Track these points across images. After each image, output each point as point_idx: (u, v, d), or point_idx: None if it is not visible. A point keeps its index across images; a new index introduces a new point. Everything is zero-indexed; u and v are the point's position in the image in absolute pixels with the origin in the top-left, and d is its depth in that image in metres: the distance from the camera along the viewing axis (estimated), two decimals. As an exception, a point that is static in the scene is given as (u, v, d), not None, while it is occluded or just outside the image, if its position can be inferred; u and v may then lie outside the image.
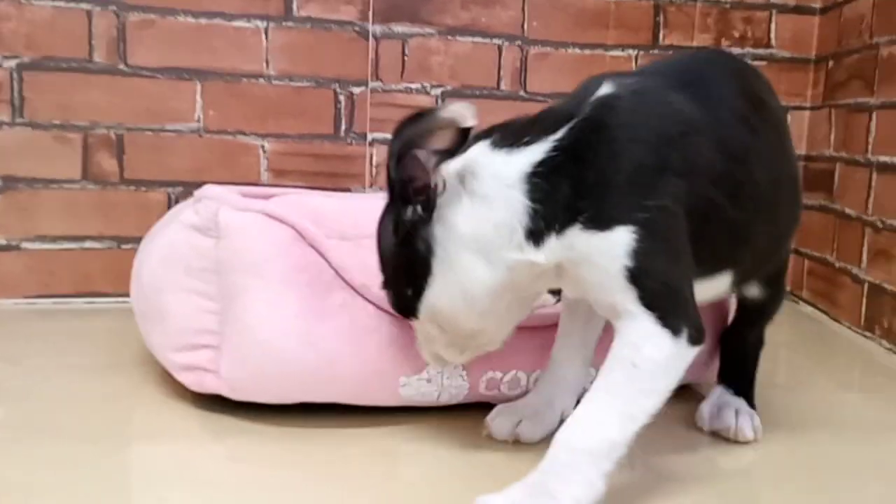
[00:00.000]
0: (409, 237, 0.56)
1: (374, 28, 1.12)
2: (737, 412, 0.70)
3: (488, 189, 0.55)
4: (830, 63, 1.21)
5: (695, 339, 0.54)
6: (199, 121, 1.10)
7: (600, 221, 0.53)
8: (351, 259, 0.90)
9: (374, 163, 1.15)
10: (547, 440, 0.54)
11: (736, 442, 0.68)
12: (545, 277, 0.57)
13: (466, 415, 0.70)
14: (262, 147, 1.12)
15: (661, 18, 1.18)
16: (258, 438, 0.65)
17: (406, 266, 0.58)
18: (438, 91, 1.14)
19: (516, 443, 0.65)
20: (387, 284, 0.61)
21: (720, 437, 0.69)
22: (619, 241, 0.53)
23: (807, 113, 1.25)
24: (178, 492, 0.56)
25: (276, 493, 0.57)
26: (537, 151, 0.55)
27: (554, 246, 0.54)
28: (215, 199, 0.68)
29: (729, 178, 0.58)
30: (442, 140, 0.53)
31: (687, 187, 0.55)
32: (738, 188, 0.59)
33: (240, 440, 0.65)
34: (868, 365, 0.97)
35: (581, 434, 0.52)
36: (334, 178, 1.14)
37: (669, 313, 0.53)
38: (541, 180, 0.54)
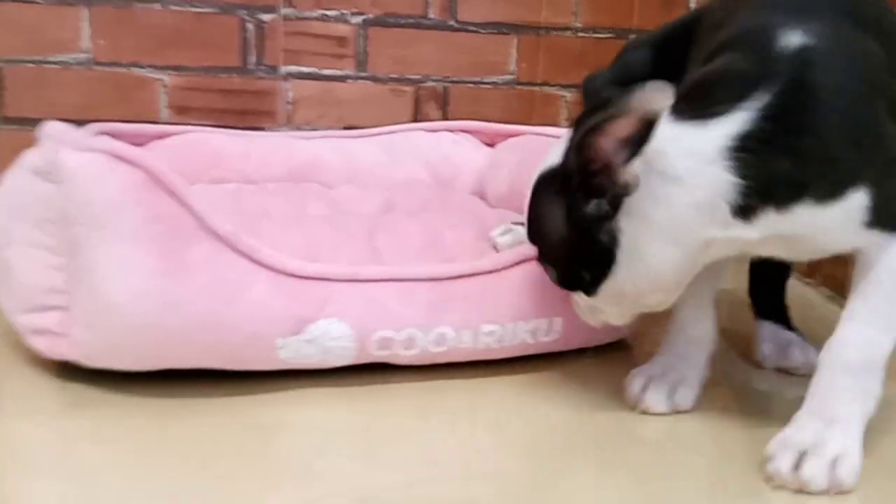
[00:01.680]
0: (589, 229, 0.55)
1: (283, -54, 1.01)
2: (801, 348, 0.72)
3: (682, 169, 0.52)
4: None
5: None
6: (87, 51, 0.99)
7: (834, 192, 0.51)
8: (252, 205, 0.83)
9: (288, 99, 1.05)
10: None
11: (800, 375, 0.69)
12: (747, 246, 0.56)
13: (359, 378, 0.64)
14: (161, 81, 1.01)
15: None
16: (125, 412, 0.58)
17: (584, 254, 0.57)
18: (359, 19, 1.04)
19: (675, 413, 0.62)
20: (553, 264, 0.61)
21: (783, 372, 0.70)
22: (856, 205, 0.52)
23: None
24: (33, 480, 0.49)
25: (144, 478, 0.50)
26: (737, 121, 0.51)
27: (772, 220, 0.52)
28: (56, 138, 0.59)
29: None
30: (628, 128, 0.50)
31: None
32: None
33: (105, 414, 0.58)
34: (809, 311, 0.93)
35: (853, 352, 0.54)
36: (244, 117, 1.04)
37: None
38: (748, 154, 0.51)
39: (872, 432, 0.54)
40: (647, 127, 0.49)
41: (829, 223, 0.53)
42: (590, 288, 0.58)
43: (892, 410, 0.59)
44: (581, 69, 1.14)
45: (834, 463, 0.52)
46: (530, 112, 1.12)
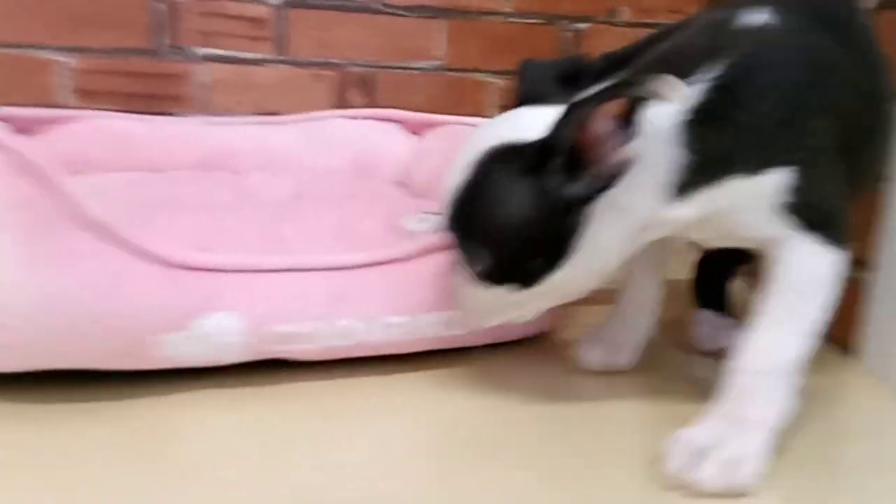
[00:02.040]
0: (563, 211, 0.51)
1: (192, -81, 0.95)
2: (736, 331, 0.70)
3: (644, 147, 0.50)
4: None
5: (848, 249, 0.54)
6: (-20, 31, 0.92)
7: (757, 168, 0.51)
8: (152, 193, 0.77)
9: (202, 83, 1.00)
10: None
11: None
12: (679, 228, 0.54)
13: (258, 376, 0.60)
14: (66, 64, 0.95)
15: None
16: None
17: (544, 240, 0.52)
18: (278, 0, 0.99)
19: (610, 373, 0.65)
20: (496, 253, 0.54)
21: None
22: (775, 184, 0.52)
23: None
24: None
25: (18, 500, 0.45)
26: (691, 95, 0.50)
27: (706, 197, 0.52)
28: None
29: (860, 121, 0.57)
30: (618, 107, 0.48)
31: (834, 126, 0.53)
32: (866, 132, 0.59)
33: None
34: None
35: (764, 358, 0.52)
36: (154, 101, 0.98)
37: (831, 230, 0.53)
38: (698, 128, 0.50)
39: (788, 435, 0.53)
40: (632, 107, 0.49)
41: (750, 200, 0.52)
42: (534, 279, 0.53)
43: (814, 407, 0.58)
44: (512, 55, 1.12)
45: (731, 464, 0.49)
46: (460, 99, 1.09)
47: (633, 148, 0.50)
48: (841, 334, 0.72)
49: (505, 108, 1.08)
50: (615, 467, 0.52)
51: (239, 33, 0.99)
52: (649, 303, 0.67)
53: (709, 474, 0.49)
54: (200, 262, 0.56)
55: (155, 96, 0.98)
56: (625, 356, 0.67)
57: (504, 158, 0.53)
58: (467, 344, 0.66)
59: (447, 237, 0.59)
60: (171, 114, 0.99)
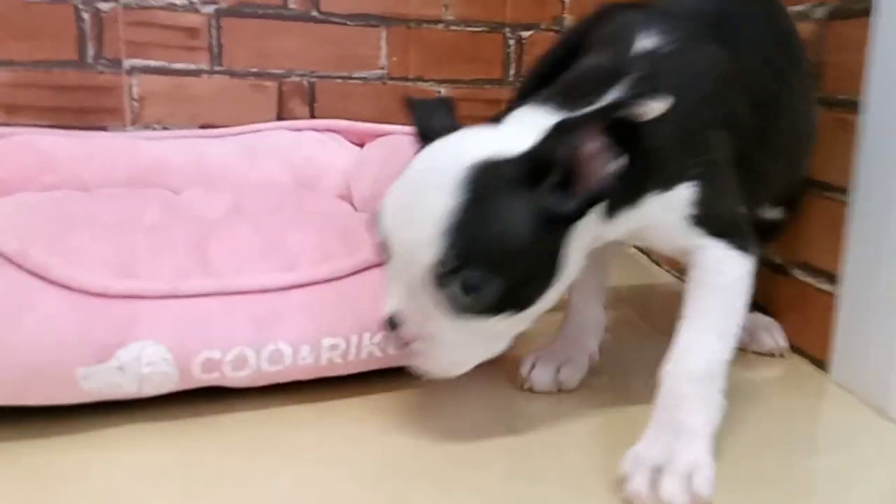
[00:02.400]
0: (557, 229, 0.51)
1: (119, -73, 0.92)
2: (767, 329, 0.75)
3: None
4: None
5: (754, 254, 0.57)
6: None
7: (665, 185, 0.55)
8: (75, 214, 0.73)
9: (134, 95, 0.96)
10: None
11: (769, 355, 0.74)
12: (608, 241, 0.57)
13: (183, 409, 0.57)
14: (-15, 77, 0.91)
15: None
16: None
17: (544, 259, 0.52)
18: (211, 9, 0.97)
19: (560, 392, 0.65)
20: (503, 275, 0.50)
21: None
22: (683, 197, 0.55)
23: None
24: None
25: None
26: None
27: (628, 216, 0.55)
28: None
29: (758, 130, 0.60)
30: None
31: (727, 137, 0.57)
32: (766, 139, 0.61)
33: None
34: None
35: (693, 362, 0.54)
36: (83, 115, 0.95)
37: (736, 237, 0.57)
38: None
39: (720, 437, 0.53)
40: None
41: (663, 215, 0.55)
42: (531, 301, 0.52)
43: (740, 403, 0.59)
44: (455, 64, 1.12)
45: (689, 477, 0.50)
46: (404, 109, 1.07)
47: (618, 165, 0.50)
48: (812, 347, 0.73)
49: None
50: (576, 491, 0.51)
51: (172, 43, 0.96)
52: (595, 322, 0.69)
53: (671, 491, 0.49)
54: (118, 290, 0.54)
55: (84, 110, 0.94)
56: (574, 376, 0.66)
57: (498, 177, 0.50)
58: (406, 363, 0.65)
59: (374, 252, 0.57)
60: (102, 128, 0.95)
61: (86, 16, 0.92)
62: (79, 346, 0.52)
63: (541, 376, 0.65)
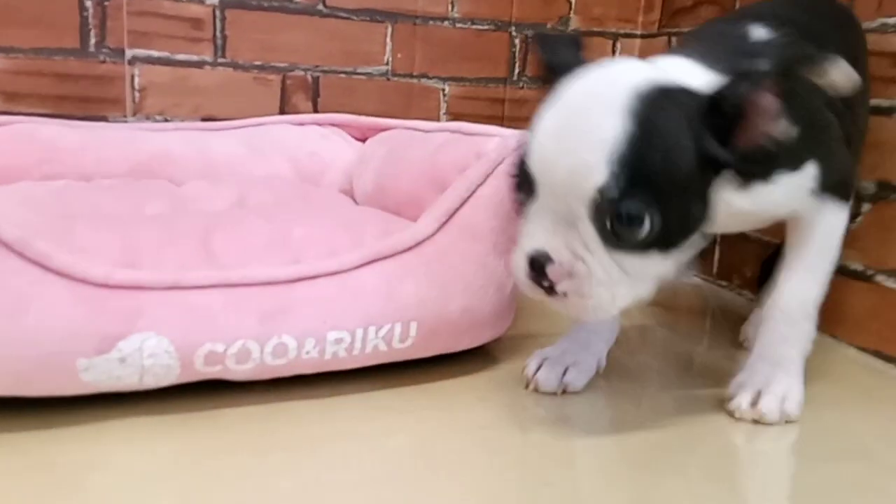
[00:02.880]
0: (714, 173, 0.52)
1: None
2: None
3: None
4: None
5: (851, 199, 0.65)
6: None
7: (796, 164, 0.59)
8: (77, 204, 0.72)
9: (135, 85, 0.95)
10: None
11: None
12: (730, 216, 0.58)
13: (187, 402, 0.56)
14: (-14, 64, 0.89)
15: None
16: None
17: (700, 199, 0.52)
18: (216, 0, 0.96)
19: (564, 393, 0.65)
20: (667, 208, 0.49)
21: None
22: (810, 174, 0.60)
23: (637, 41, 1.17)
24: None
25: None
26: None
27: (759, 192, 0.57)
28: None
29: (843, 124, 0.65)
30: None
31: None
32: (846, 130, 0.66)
33: None
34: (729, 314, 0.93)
35: (793, 305, 0.63)
36: (85, 105, 0.93)
37: (845, 192, 0.63)
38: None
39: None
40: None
41: (791, 193, 0.60)
42: (681, 242, 0.51)
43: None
44: (460, 62, 1.11)
45: (783, 398, 0.61)
46: (408, 105, 1.07)
47: (785, 131, 0.51)
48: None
49: (453, 115, 1.07)
50: (582, 493, 0.51)
51: (176, 34, 0.95)
52: (608, 327, 0.69)
53: (769, 409, 0.61)
54: (121, 280, 0.53)
55: (85, 99, 0.93)
56: (580, 378, 0.66)
57: (673, 106, 0.49)
58: (411, 357, 0.64)
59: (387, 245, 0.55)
60: (103, 118, 0.94)
61: (89, 4, 0.91)
62: (80, 337, 0.51)
63: (547, 376, 0.65)
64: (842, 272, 0.79)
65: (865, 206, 0.79)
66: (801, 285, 0.63)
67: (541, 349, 0.67)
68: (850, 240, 0.78)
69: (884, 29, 0.77)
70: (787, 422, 0.61)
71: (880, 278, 0.78)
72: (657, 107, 0.48)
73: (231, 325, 0.55)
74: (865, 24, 0.78)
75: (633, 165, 0.47)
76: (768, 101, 0.50)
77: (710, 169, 0.51)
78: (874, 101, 0.77)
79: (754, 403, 0.61)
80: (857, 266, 0.80)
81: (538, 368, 0.65)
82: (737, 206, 0.56)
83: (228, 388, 0.58)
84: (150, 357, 0.53)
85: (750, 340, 0.77)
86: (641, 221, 0.48)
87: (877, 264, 0.78)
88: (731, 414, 0.61)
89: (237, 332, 0.56)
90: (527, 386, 0.65)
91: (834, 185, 0.62)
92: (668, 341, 0.82)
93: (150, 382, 0.55)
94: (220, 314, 0.55)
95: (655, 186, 0.48)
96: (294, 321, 0.58)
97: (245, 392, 0.59)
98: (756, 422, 0.61)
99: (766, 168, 0.56)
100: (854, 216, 0.79)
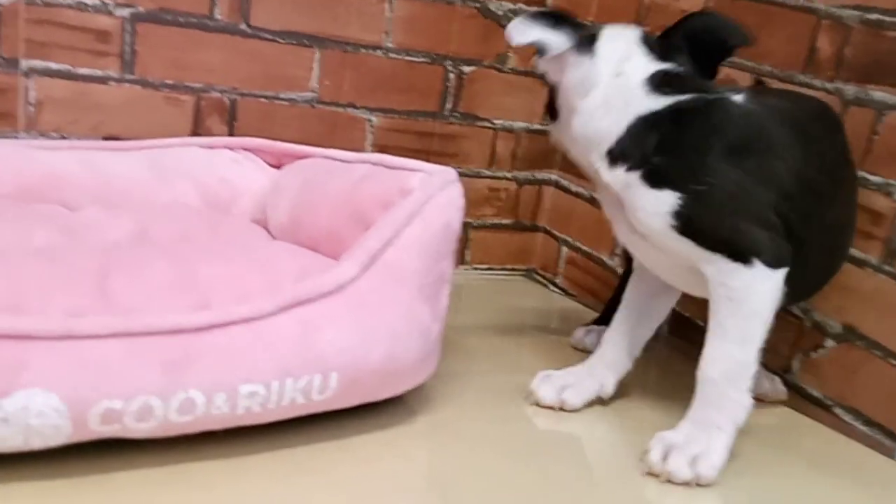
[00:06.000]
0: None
1: (25, -86, 0.86)
2: (766, 378, 0.84)
3: (616, 96, 0.69)
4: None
5: (773, 262, 0.66)
6: None
7: (655, 180, 0.66)
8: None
9: (30, 99, 0.90)
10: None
11: (767, 402, 0.82)
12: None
13: (76, 464, 0.52)
14: None
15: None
16: None
17: None
18: (125, 12, 0.91)
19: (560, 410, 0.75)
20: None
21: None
22: (665, 201, 0.66)
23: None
24: None
25: None
26: (660, 103, 0.68)
27: (618, 176, 0.68)
28: None
29: (800, 202, 0.69)
30: None
31: (754, 184, 0.67)
32: (807, 216, 0.70)
33: None
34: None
35: (713, 367, 0.66)
36: (-30, 118, 0.87)
37: (732, 252, 0.66)
38: (643, 124, 0.68)
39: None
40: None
41: (646, 209, 0.67)
42: None
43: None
44: (390, 93, 1.11)
45: (696, 458, 0.64)
46: (331, 134, 1.05)
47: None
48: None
49: (379, 147, 1.07)
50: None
51: (79, 46, 0.90)
52: (618, 362, 0.78)
53: (676, 466, 0.63)
54: (5, 329, 0.48)
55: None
56: (578, 397, 0.76)
57: None
58: (329, 409, 0.62)
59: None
60: (-11, 133, 0.88)
61: (-21, 8, 0.86)
62: (-49, 393, 0.47)
63: (546, 390, 0.76)
64: (800, 394, 0.86)
65: (829, 342, 0.83)
66: (717, 352, 0.66)
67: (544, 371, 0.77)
68: (811, 366, 0.85)
69: (864, 183, 0.80)
70: (699, 484, 0.63)
71: (838, 411, 0.82)
72: None
73: (131, 379, 0.52)
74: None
75: None
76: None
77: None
78: (853, 250, 0.80)
79: (664, 459, 0.64)
80: (816, 393, 0.84)
81: (541, 384, 0.76)
82: (603, 178, 0.70)
83: (125, 447, 0.54)
84: (36, 416, 0.49)
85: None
86: None
87: (837, 397, 0.82)
88: (643, 468, 0.64)
89: (138, 386, 0.52)
90: (528, 397, 0.76)
91: (720, 241, 0.65)
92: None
93: (37, 444, 0.50)
94: (118, 366, 0.51)
95: None
96: (202, 373, 0.55)
97: (144, 451, 0.55)
98: (668, 480, 0.63)
99: (632, 154, 0.67)
100: (816, 347, 0.84)
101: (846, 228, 0.79)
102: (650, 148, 0.67)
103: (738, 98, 0.70)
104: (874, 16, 0.80)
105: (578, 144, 0.72)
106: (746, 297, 0.65)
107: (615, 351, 0.79)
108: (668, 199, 0.65)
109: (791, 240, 0.68)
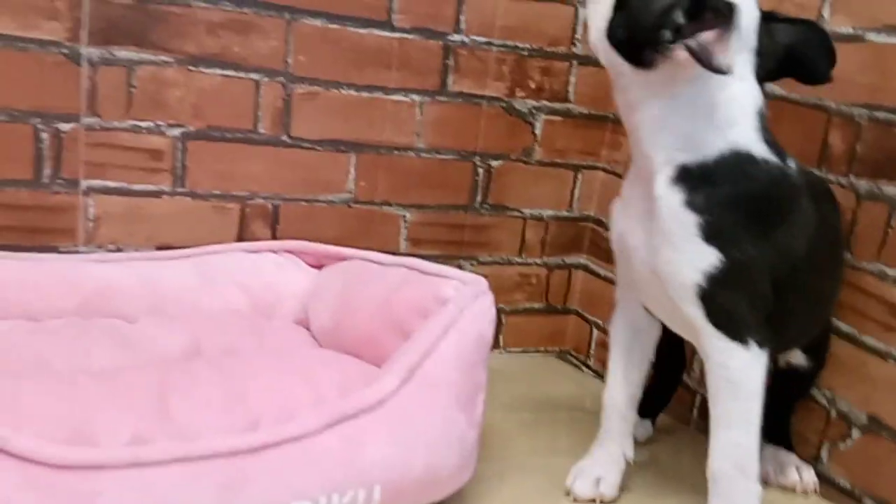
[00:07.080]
0: None
1: (89, 52, 0.95)
2: (797, 468, 0.86)
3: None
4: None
5: (763, 342, 0.68)
6: None
7: (710, 234, 0.65)
8: (23, 354, 0.71)
9: (90, 216, 0.97)
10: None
11: (794, 491, 0.84)
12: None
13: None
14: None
15: (452, 61, 1.13)
16: None
17: None
18: (177, 132, 1.00)
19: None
20: None
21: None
22: (707, 259, 0.66)
23: (599, 174, 1.25)
24: None
25: None
26: (760, 151, 0.69)
27: (673, 200, 0.67)
28: None
29: (801, 274, 0.71)
30: None
31: (776, 258, 0.68)
32: (801, 285, 0.72)
33: None
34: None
35: (723, 458, 0.68)
36: (35, 235, 0.95)
37: (733, 331, 0.67)
38: (734, 160, 0.67)
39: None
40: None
41: (680, 257, 0.68)
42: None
43: None
44: (422, 189, 1.17)
45: None
46: (368, 231, 1.11)
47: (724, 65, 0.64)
48: None
49: (413, 241, 1.12)
50: None
51: (133, 165, 0.98)
52: (626, 424, 0.81)
53: None
54: (75, 460, 0.53)
55: (36, 230, 0.95)
56: (612, 488, 0.79)
57: None
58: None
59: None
60: (54, 249, 0.96)
61: (45, 136, 0.94)
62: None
63: (581, 487, 0.79)
64: (831, 484, 0.86)
65: (856, 433, 0.85)
66: (723, 442, 0.68)
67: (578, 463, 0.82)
68: (840, 457, 0.86)
69: (882, 276, 0.82)
70: None
71: (868, 502, 0.83)
72: None
73: (187, 502, 0.56)
74: (861, 264, 0.84)
75: None
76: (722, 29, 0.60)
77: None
78: (870, 339, 0.83)
79: None
80: (844, 483, 0.85)
81: (574, 479, 0.79)
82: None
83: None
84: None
85: (770, 478, 0.85)
86: None
87: (864, 487, 0.83)
88: None
89: (196, 508, 0.56)
90: (567, 493, 0.80)
91: (726, 318, 0.67)
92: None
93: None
94: (174, 492, 0.55)
95: None
96: (254, 492, 0.59)
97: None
98: None
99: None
100: (844, 437, 0.86)
101: (829, 301, 0.82)
102: (720, 196, 0.66)
103: (793, 167, 0.71)
104: (882, 114, 0.84)
105: (656, 123, 0.68)
106: (744, 378, 0.67)
107: (620, 416, 0.81)
108: (710, 259, 0.65)
109: (778, 307, 0.69)
